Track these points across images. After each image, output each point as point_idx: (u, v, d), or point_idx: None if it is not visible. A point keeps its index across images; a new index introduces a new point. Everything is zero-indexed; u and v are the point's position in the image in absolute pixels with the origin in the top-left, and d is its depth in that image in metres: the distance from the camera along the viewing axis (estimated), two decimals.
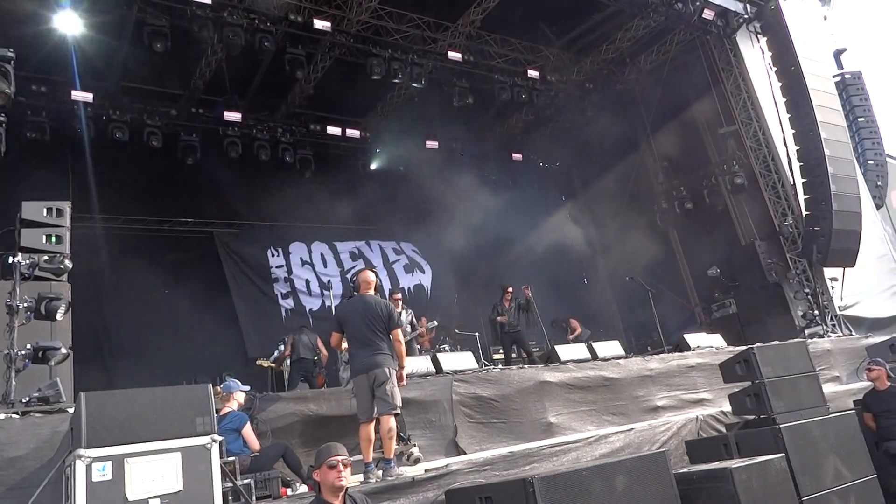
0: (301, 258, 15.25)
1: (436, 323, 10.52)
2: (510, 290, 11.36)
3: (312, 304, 15.16)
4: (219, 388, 6.24)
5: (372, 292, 5.96)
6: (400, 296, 10.18)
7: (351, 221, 16.02)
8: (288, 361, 10.55)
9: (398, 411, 5.68)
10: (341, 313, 5.94)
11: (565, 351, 9.24)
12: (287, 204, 14.49)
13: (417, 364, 7.86)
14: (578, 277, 19.05)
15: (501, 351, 12.02)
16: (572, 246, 18.83)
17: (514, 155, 17.70)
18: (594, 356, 9.32)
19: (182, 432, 3.66)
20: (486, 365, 10.13)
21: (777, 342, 7.92)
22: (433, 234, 16.32)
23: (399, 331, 5.81)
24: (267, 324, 14.11)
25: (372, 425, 5.65)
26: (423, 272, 16.30)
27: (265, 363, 10.79)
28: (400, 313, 9.35)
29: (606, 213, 17.65)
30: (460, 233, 16.21)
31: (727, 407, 7.58)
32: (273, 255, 14.99)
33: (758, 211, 14.73)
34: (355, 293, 6.07)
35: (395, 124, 15.67)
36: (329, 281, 15.33)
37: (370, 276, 6.00)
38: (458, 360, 8.31)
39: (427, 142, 15.94)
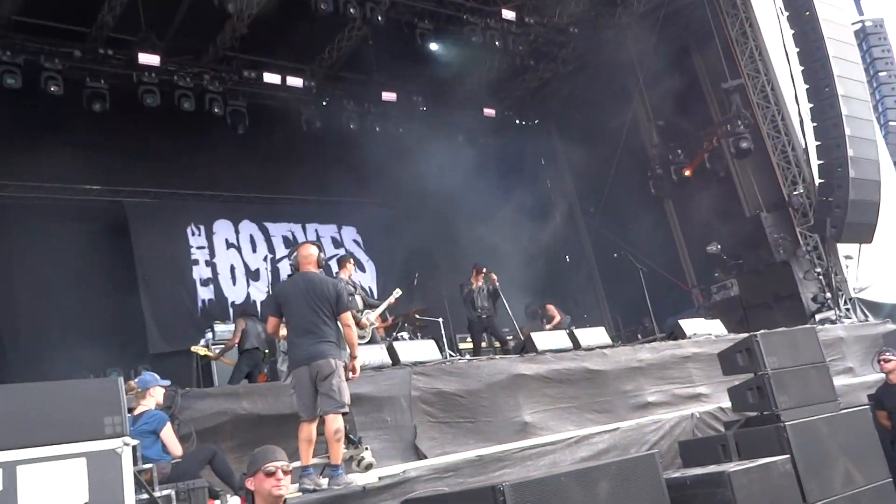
0: (226, 239, 15.36)
1: (398, 292, 10.61)
2: (484, 269, 11.59)
3: (236, 295, 15.13)
4: (133, 382, 6.19)
5: (314, 269, 5.99)
6: (352, 265, 10.21)
7: (290, 192, 16.12)
8: (235, 352, 10.51)
9: (346, 410, 5.71)
10: (280, 294, 5.97)
11: (543, 339, 9.38)
12: (213, 170, 14.45)
13: (370, 354, 7.95)
14: (559, 255, 19.37)
15: (469, 339, 12.26)
16: (552, 218, 19.08)
17: (485, 110, 17.86)
18: (576, 345, 9.45)
19: (87, 434, 3.54)
20: (451, 355, 10.41)
21: (784, 329, 8.03)
22: (386, 206, 16.66)
23: (349, 314, 5.84)
24: (178, 315, 14.05)
25: (314, 425, 5.68)
26: (364, 271, 16.57)
27: (201, 350, 10.73)
28: (352, 290, 9.63)
29: (592, 180, 18.02)
30: (420, 203, 16.46)
31: (726, 403, 7.70)
32: (194, 234, 15.03)
33: (765, 178, 15.19)
34: (293, 271, 6.20)
35: (346, 73, 15.79)
36: (257, 270, 15.45)
37: (312, 250, 6.04)
38: (417, 350, 8.43)
39: (384, 93, 16.03)
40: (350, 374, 5.90)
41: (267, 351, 10.49)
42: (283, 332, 6.12)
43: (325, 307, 5.74)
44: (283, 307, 5.87)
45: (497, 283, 11.44)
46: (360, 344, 8.77)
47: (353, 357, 5.94)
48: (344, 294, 5.85)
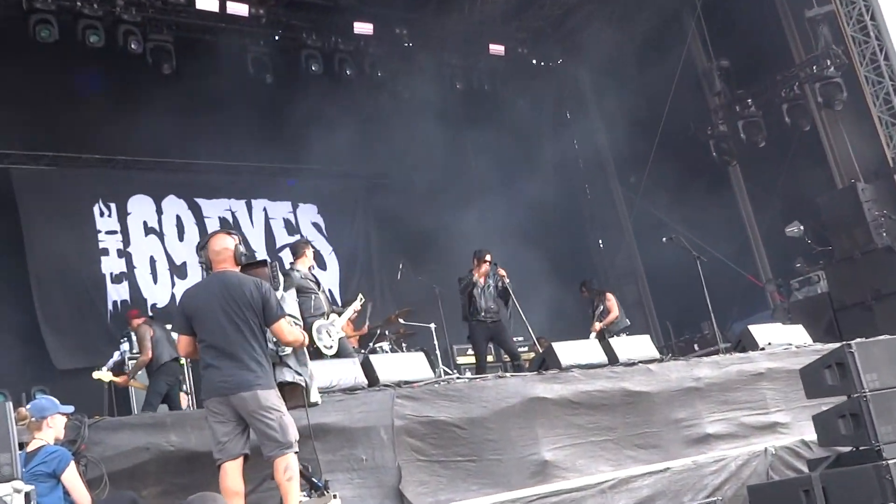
0: (145, 222, 15.45)
1: (362, 298, 10.86)
2: (488, 258, 11.78)
3: (157, 296, 15.19)
4: (24, 409, 6.11)
5: (232, 267, 6.09)
6: (311, 252, 10.28)
7: (230, 157, 16.12)
8: (144, 372, 10.51)
9: (295, 448, 5.80)
10: (188, 304, 6.03)
11: (568, 351, 9.50)
12: (129, 127, 14.12)
13: (339, 372, 8.06)
14: (590, 239, 19.43)
15: (471, 351, 12.42)
16: (580, 191, 19.35)
17: (492, 47, 17.90)
18: (612, 359, 9.56)
19: None
20: (446, 372, 10.59)
21: (887, 337, 8.14)
22: (359, 177, 17.02)
23: (282, 323, 5.90)
24: (82, 321, 14.01)
25: (238, 467, 5.75)
26: (324, 268, 16.67)
27: (105, 376, 10.64)
28: (313, 287, 9.80)
29: (633, 140, 17.90)
30: (405, 173, 16.76)
31: (811, 434, 7.74)
32: (103, 214, 15.07)
33: (863, 137, 15.03)
34: (205, 271, 6.23)
35: None
36: (184, 264, 15.46)
37: (226, 242, 6.12)
38: (402, 366, 8.58)
39: (356, 24, 16.09)
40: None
41: (184, 362, 10.55)
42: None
43: (247, 318, 5.82)
44: (195, 321, 5.91)
45: (507, 281, 11.67)
46: (326, 357, 9.11)
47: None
48: (273, 297, 5.90)
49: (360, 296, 10.85)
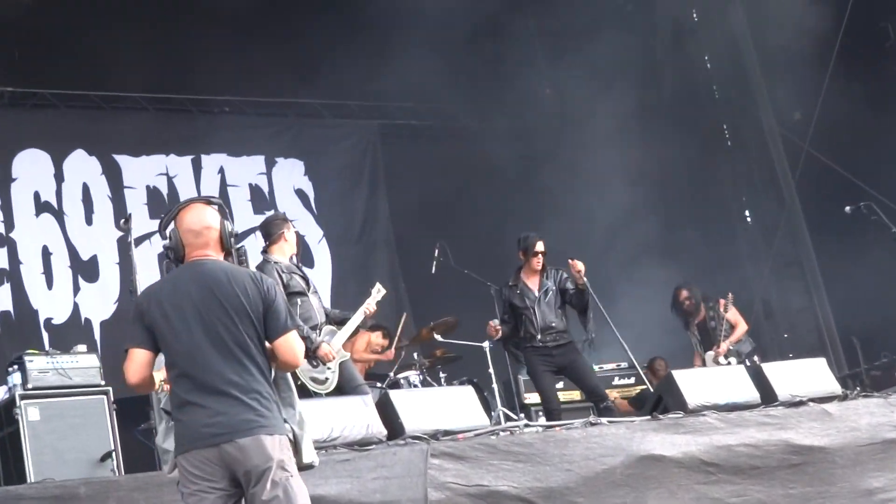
0: (37, 193, 15.58)
1: (381, 290, 11.00)
2: (540, 247, 11.91)
3: (53, 306, 14.97)
4: None
5: (216, 254, 6.04)
6: (294, 233, 10.68)
7: (169, 88, 16.39)
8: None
9: None
10: (149, 309, 5.86)
11: (696, 383, 9.75)
12: (8, 44, 14.42)
13: (345, 417, 8.37)
14: (732, 210, 19.40)
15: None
16: (717, 138, 19.31)
17: None
18: (767, 396, 9.71)
19: None
20: (508, 418, 11.30)
21: None
22: (371, 116, 17.42)
23: (290, 338, 5.85)
24: None
25: None
26: (311, 265, 16.87)
27: None
28: (302, 284, 10.29)
29: (797, 56, 17.49)
30: (440, 110, 17.62)
31: None
32: None
33: None
34: (172, 262, 6.13)
35: None
36: (94, 258, 15.39)
37: (206, 216, 6.03)
38: (440, 408, 8.98)
39: None
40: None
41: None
42: (161, 375, 5.98)
43: (242, 331, 5.77)
44: (159, 333, 5.80)
45: (584, 277, 11.67)
46: (318, 394, 9.62)
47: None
48: (280, 298, 5.91)
49: (378, 286, 10.94)
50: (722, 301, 13.89)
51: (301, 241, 12.09)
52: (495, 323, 11.88)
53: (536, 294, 11.80)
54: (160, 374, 6.01)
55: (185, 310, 5.72)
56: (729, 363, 13.00)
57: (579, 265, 11.61)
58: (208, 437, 5.55)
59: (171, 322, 5.73)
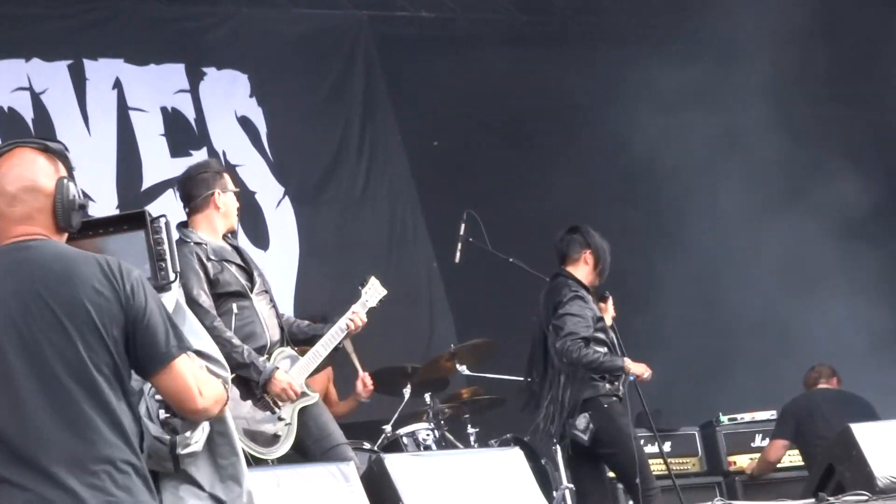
0: None
1: (378, 286, 9.26)
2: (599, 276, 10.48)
3: None
4: None
5: (46, 233, 4.90)
6: (229, 197, 8.95)
7: None
8: None
9: None
10: None
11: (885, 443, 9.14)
12: None
13: (316, 498, 7.54)
14: None
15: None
16: None
17: None
18: None
19: None
20: None
21: None
22: (357, 20, 15.57)
23: (179, 364, 4.70)
24: None
25: None
26: (265, 246, 14.49)
27: None
28: (247, 275, 8.89)
29: None
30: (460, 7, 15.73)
31: None
32: None
33: None
34: None
35: None
36: None
37: (31, 168, 4.93)
38: (468, 484, 8.06)
39: None
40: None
41: None
42: None
43: (90, 357, 4.65)
44: None
45: (610, 311, 10.50)
46: (263, 460, 8.34)
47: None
48: (153, 301, 4.85)
49: (373, 282, 9.27)
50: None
51: (247, 207, 10.90)
52: None
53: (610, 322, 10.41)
54: None
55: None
56: None
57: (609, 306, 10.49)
58: None
59: None
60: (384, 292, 9.23)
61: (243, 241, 12.54)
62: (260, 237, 14.24)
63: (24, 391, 4.51)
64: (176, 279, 5.28)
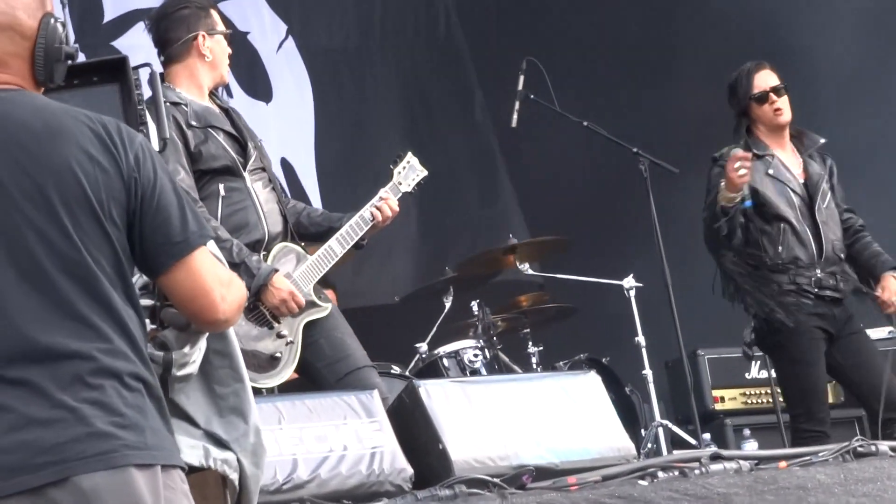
0: None
1: (416, 164, 8.25)
2: (768, 84, 8.65)
3: None
4: None
5: (21, 81, 3.97)
6: (218, 41, 7.82)
7: None
8: None
9: None
10: None
11: None
12: None
13: (333, 436, 6.80)
14: None
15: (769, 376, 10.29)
16: None
17: None
18: None
19: None
20: (675, 441, 9.47)
21: None
22: None
23: (199, 258, 3.97)
24: None
25: None
26: (268, 98, 13.16)
27: None
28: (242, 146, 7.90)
29: None
30: None
31: None
32: None
33: None
34: None
35: None
36: None
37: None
38: (530, 419, 7.29)
39: None
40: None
41: None
42: None
43: (83, 242, 3.81)
44: None
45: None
46: (269, 392, 7.75)
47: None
48: (164, 173, 3.97)
49: (409, 158, 8.17)
50: None
51: (237, 51, 9.20)
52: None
53: (801, 181, 8.40)
54: None
55: None
56: None
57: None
58: (11, 473, 3.79)
59: None
60: (424, 173, 7.99)
61: (236, 93, 11.93)
62: (258, 87, 12.73)
63: (3, 288, 3.77)
64: (163, 150, 4.72)
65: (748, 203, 8.23)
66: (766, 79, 8.63)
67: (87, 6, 12.75)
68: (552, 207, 12.82)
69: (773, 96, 8.49)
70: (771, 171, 8.51)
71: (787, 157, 8.53)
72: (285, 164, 12.78)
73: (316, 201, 12.65)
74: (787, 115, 8.56)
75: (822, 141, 8.85)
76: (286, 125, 12.98)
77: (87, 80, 4.53)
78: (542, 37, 13.65)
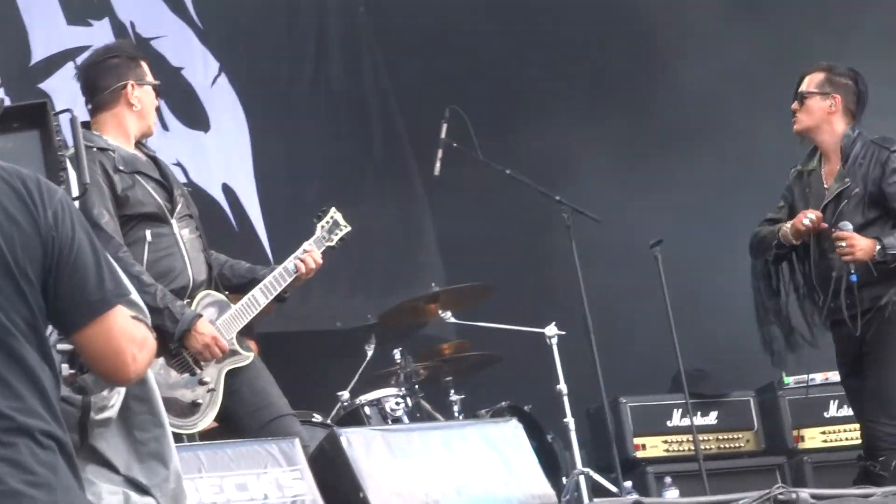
0: None
1: (339, 220, 8.55)
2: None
3: None
4: None
5: None
6: (146, 91, 8.06)
7: None
8: None
9: None
10: None
11: None
12: None
13: (251, 486, 6.98)
14: None
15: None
16: None
17: None
18: None
19: None
20: (596, 489, 9.52)
21: None
22: None
23: (115, 317, 3.95)
24: None
25: None
26: (204, 125, 13.01)
27: None
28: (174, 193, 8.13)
29: None
30: None
31: None
32: None
33: None
34: None
35: None
36: None
37: None
38: (451, 468, 7.61)
39: None
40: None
41: None
42: None
43: (2, 301, 3.88)
44: None
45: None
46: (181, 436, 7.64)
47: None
48: (82, 229, 3.96)
49: (332, 213, 8.47)
50: None
51: (173, 85, 10.31)
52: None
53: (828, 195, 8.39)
54: None
55: None
56: None
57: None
58: None
59: None
60: (348, 228, 8.29)
61: (173, 126, 11.86)
62: (196, 118, 12.71)
63: None
64: (84, 195, 5.14)
65: (854, 277, 8.05)
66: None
67: (15, 47, 12.84)
68: (475, 255, 12.93)
69: (795, 104, 8.47)
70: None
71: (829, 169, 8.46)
72: (227, 190, 12.95)
73: (259, 226, 13.14)
74: (798, 123, 8.46)
75: None
76: (225, 153, 13.21)
77: (8, 126, 4.76)
78: (467, 85, 13.80)
